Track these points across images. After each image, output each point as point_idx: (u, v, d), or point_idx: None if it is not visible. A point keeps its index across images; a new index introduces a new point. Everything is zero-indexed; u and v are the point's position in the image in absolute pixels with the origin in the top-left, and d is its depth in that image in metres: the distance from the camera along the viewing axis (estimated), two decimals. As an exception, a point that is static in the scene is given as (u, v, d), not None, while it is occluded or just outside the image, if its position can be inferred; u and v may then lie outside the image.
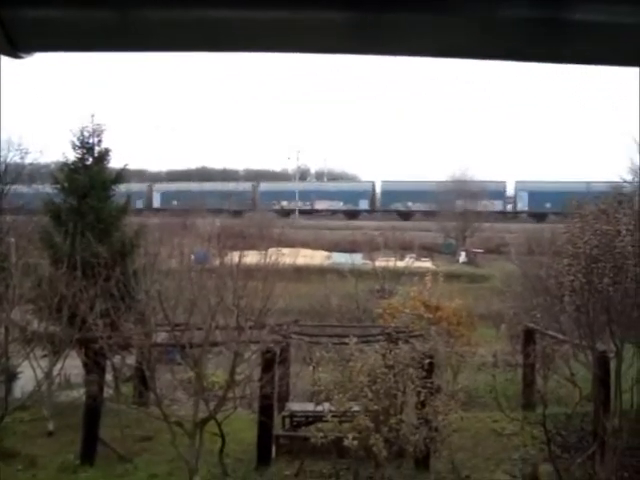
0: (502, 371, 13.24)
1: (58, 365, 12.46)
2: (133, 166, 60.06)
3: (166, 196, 56.73)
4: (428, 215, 48.56)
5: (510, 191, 53.53)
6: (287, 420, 11.79)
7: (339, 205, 56.76)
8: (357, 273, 23.67)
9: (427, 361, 10.23)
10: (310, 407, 11.10)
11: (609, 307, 10.19)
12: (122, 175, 16.28)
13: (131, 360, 12.03)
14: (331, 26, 0.98)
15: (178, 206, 47.76)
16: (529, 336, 13.08)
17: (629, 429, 9.89)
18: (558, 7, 0.94)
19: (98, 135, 15.33)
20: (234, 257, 11.32)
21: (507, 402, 11.52)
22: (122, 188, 16.54)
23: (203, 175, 65.17)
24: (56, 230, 14.68)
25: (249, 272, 11.12)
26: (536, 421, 10.79)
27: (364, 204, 56.63)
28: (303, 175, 66.62)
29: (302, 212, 55.69)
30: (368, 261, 29.03)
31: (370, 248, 31.66)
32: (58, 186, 15.45)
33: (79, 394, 12.51)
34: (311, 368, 11.74)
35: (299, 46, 1.04)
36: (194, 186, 55.84)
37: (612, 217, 10.70)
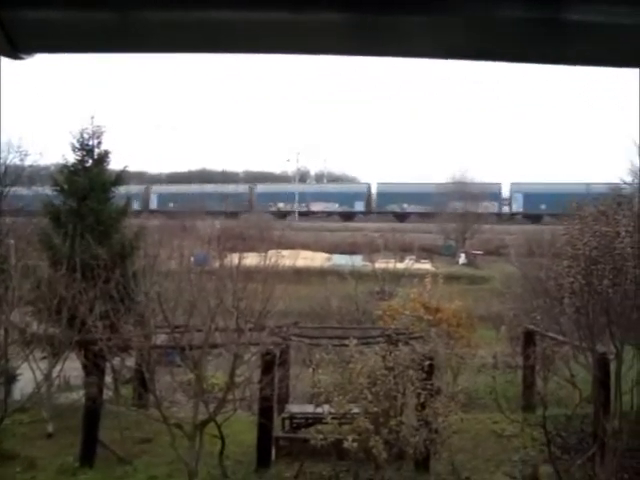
0: (502, 373, 13.26)
1: (57, 367, 12.45)
2: (133, 168, 60.09)
3: (163, 198, 56.77)
4: (423, 217, 48.69)
5: (505, 193, 53.53)
6: (287, 422, 11.78)
7: (335, 207, 56.79)
8: (357, 275, 23.66)
9: (427, 363, 10.22)
10: (310, 409, 11.09)
11: (609, 309, 10.18)
12: (122, 177, 16.30)
13: (131, 362, 12.04)
14: (331, 27, 0.98)
15: (174, 208, 48.15)
16: (529, 338, 13.07)
17: (629, 431, 9.89)
18: (557, 8, 0.94)
19: (98, 137, 15.33)
20: (234, 259, 11.31)
21: (507, 403, 11.53)
22: (122, 190, 16.56)
23: (203, 177, 65.10)
24: (56, 232, 14.67)
25: (249, 274, 11.11)
26: (536, 422, 10.79)
27: (360, 206, 56.65)
28: (303, 177, 66.56)
29: (298, 214, 55.63)
30: (368, 263, 29.04)
31: (370, 250, 31.69)
32: (58, 188, 15.45)
33: (78, 396, 12.49)
34: (311, 370, 11.72)
35: (299, 47, 1.04)
36: (191, 188, 55.93)
37: (611, 219, 10.70)
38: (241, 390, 10.39)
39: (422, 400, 9.82)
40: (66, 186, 15.15)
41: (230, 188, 56.20)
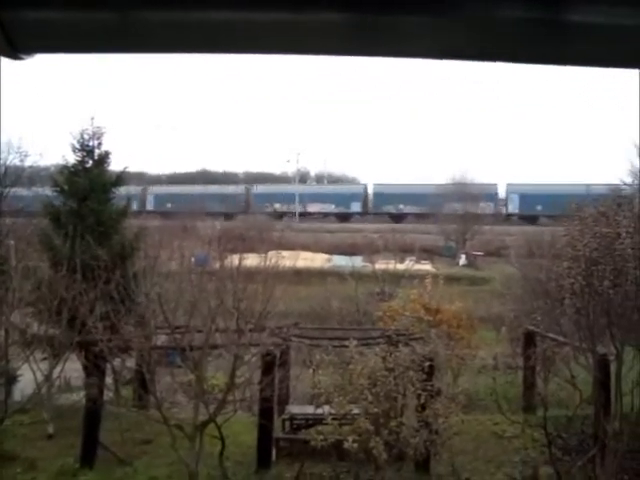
0: (502, 374, 13.27)
1: (58, 368, 12.44)
2: (133, 169, 60.13)
3: (159, 199, 56.83)
4: (419, 218, 48.71)
5: (502, 194, 53.51)
6: (287, 423, 11.78)
7: (331, 208, 56.79)
8: (357, 276, 23.66)
9: (427, 364, 10.21)
10: (310, 410, 11.08)
11: (609, 310, 10.18)
12: (122, 178, 16.30)
13: (131, 363, 12.03)
14: (331, 28, 0.98)
15: (171, 209, 48.43)
16: (529, 339, 13.07)
17: (629, 432, 9.88)
18: (557, 9, 0.94)
19: (98, 138, 15.34)
20: (234, 260, 11.31)
21: (508, 405, 11.54)
22: (122, 191, 16.57)
23: (203, 178, 65.14)
24: (56, 233, 14.68)
25: (249, 275, 11.11)
26: (537, 424, 10.80)
27: (356, 207, 56.65)
28: (303, 178, 66.57)
29: (294, 215, 55.52)
30: (368, 264, 29.03)
31: (370, 251, 31.69)
32: (58, 189, 15.45)
33: (79, 397, 12.50)
34: (311, 371, 11.72)
35: (299, 48, 1.04)
36: (187, 189, 55.97)
37: (612, 220, 10.69)
38: (241, 391, 10.39)
39: (422, 401, 9.82)
40: (66, 187, 15.15)
41: (227, 189, 56.35)
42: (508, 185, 52.48)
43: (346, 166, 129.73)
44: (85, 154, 15.25)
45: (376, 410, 9.57)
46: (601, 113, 79.44)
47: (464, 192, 43.78)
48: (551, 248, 15.08)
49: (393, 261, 27.71)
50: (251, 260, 12.03)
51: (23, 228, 17.38)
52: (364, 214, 55.88)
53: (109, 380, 11.64)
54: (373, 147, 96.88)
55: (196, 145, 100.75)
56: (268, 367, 10.74)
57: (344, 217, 55.01)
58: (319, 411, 10.36)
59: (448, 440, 10.06)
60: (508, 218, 50.86)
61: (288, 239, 37.87)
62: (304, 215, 55.47)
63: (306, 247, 38.68)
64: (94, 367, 10.81)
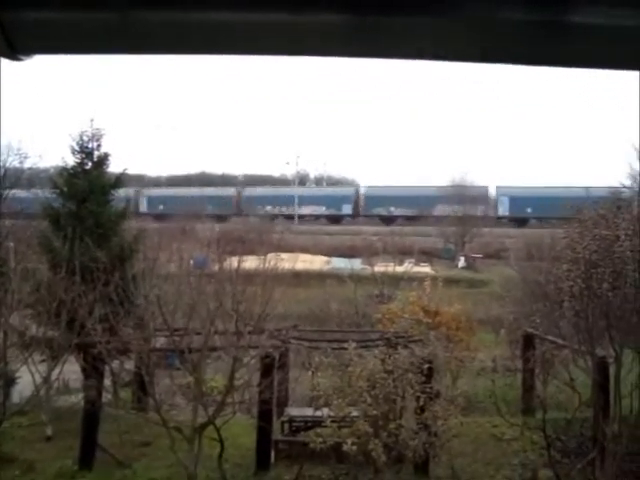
0: (501, 376, 13.22)
1: (57, 370, 12.41)
2: (133, 171, 60.13)
3: (152, 200, 56.91)
4: (410, 220, 48.81)
5: (492, 196, 53.57)
6: (286, 425, 11.77)
7: (322, 210, 56.78)
8: (356, 278, 23.67)
9: (426, 366, 10.21)
10: (309, 412, 11.08)
11: (608, 312, 10.17)
12: (121, 180, 16.29)
13: (130, 365, 12.00)
14: (331, 29, 0.98)
15: (164, 210, 48.91)
16: (528, 341, 13.06)
17: (629, 435, 9.87)
18: (558, 10, 0.94)
19: (97, 140, 15.34)
20: (233, 262, 11.31)
21: (507, 407, 11.51)
22: (121, 192, 16.58)
23: (202, 180, 65.17)
24: (55, 235, 14.67)
25: (248, 277, 11.10)
26: (536, 426, 10.78)
27: (347, 209, 56.65)
28: (302, 180, 66.61)
29: (286, 217, 55.20)
30: (367, 266, 29.03)
31: (369, 253, 31.69)
32: (57, 191, 15.44)
33: (77, 399, 12.48)
34: (310, 373, 11.71)
35: (299, 49, 1.04)
36: (182, 191, 56.06)
37: (611, 222, 10.69)
38: (240, 393, 10.38)
39: (421, 403, 9.81)
40: (65, 189, 15.15)
41: (220, 191, 56.47)
42: (498, 187, 52.48)
43: (345, 168, 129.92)
44: (84, 156, 15.25)
45: (375, 412, 9.56)
46: (601, 115, 79.54)
47: (460, 194, 43.84)
48: (550, 250, 15.08)
49: (392, 263, 27.72)
50: (250, 262, 12.02)
51: (22, 230, 17.34)
52: (355, 216, 55.94)
53: (108, 382, 11.60)
54: (372, 149, 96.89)
55: (196, 147, 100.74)
56: (267, 369, 10.73)
57: (335, 219, 55.05)
58: (318, 413, 10.35)
59: (447, 442, 10.05)
60: (498, 220, 50.93)
61: (287, 241, 37.88)
62: (291, 217, 55.28)
63: (305, 249, 38.68)
64: (93, 369, 10.79)
